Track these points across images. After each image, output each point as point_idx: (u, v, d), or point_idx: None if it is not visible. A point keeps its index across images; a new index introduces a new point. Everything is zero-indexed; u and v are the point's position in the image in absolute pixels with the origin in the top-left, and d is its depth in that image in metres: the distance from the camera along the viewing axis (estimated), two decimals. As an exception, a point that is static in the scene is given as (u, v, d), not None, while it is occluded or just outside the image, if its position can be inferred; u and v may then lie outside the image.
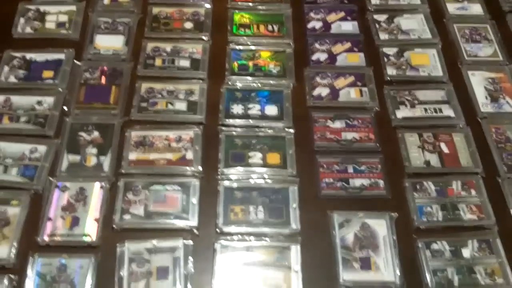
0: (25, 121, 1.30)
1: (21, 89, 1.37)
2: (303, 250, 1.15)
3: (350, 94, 1.38)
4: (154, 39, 1.46)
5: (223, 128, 1.31)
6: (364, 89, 1.39)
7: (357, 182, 1.25)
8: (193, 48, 1.45)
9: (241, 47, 1.46)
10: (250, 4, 1.56)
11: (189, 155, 1.26)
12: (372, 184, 1.24)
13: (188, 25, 1.50)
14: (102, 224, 1.16)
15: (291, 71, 1.42)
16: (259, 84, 1.39)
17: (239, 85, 1.39)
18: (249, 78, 1.40)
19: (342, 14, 1.55)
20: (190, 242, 1.14)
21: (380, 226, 1.18)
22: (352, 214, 1.20)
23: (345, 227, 1.18)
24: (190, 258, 1.12)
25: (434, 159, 1.28)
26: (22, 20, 1.50)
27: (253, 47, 1.46)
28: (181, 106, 1.34)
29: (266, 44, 1.48)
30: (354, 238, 1.17)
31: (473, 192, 1.23)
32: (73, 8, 1.53)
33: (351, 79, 1.41)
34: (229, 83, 1.39)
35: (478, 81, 1.42)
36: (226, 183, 1.23)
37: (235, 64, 1.42)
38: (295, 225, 1.18)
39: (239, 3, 1.56)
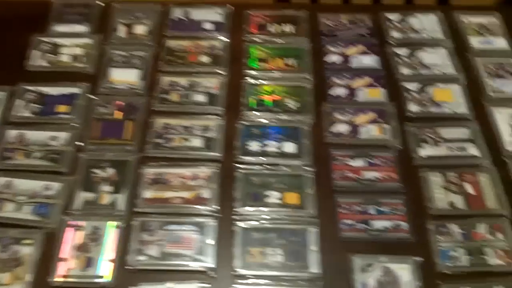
0: (39, 157, 1.27)
1: (35, 123, 1.34)
2: (325, 296, 1.10)
3: (371, 131, 1.35)
4: (168, 73, 1.44)
5: (240, 166, 1.27)
6: (386, 126, 1.35)
7: (379, 224, 1.20)
8: (209, 82, 1.42)
9: (258, 82, 1.42)
10: (267, 37, 1.53)
11: (206, 193, 1.23)
12: (395, 226, 1.20)
13: (204, 58, 1.47)
14: (117, 265, 1.13)
15: (310, 107, 1.38)
16: (276, 121, 1.35)
17: (255, 121, 1.35)
18: (266, 114, 1.36)
19: (361, 47, 1.52)
20: (206, 285, 1.10)
21: (403, 271, 1.14)
22: (374, 258, 1.15)
23: (367, 272, 1.14)
24: (206, 301, 1.08)
25: (458, 200, 1.24)
26: (36, 53, 1.48)
27: (270, 82, 1.43)
28: (197, 142, 1.31)
29: (284, 78, 1.44)
30: (376, 284, 1.12)
31: (500, 236, 1.18)
32: (88, 41, 1.51)
33: (372, 115, 1.37)
34: (245, 118, 1.35)
35: (503, 118, 1.37)
36: (243, 223, 1.19)
37: (252, 99, 1.39)
38: (314, 268, 1.13)
39: (256, 36, 1.53)
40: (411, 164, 1.30)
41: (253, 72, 1.45)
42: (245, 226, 1.19)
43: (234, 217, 1.20)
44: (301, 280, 1.12)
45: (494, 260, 1.15)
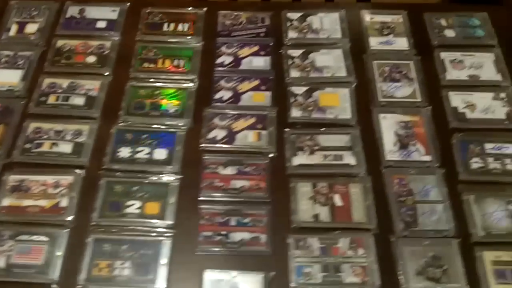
0: None
1: None
2: (167, 313, 1.07)
3: (248, 138, 1.30)
4: (51, 74, 1.40)
5: (105, 173, 1.24)
6: (264, 132, 1.30)
7: (238, 236, 1.16)
8: (91, 84, 1.38)
9: (140, 84, 1.38)
10: (160, 37, 1.48)
11: (64, 202, 1.19)
12: (254, 238, 1.16)
13: (91, 59, 1.43)
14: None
15: (190, 111, 1.34)
16: (152, 125, 1.31)
17: (132, 125, 1.31)
18: (144, 118, 1.32)
19: (256, 48, 1.46)
20: (47, 300, 1.08)
21: (254, 286, 1.10)
22: (225, 273, 1.12)
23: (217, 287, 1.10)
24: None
25: (324, 213, 1.19)
26: None
27: (153, 84, 1.38)
28: (66, 148, 1.27)
29: (168, 80, 1.39)
30: (222, 300, 1.08)
31: (360, 251, 1.14)
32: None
33: (251, 120, 1.32)
34: (122, 123, 1.31)
35: (389, 125, 1.32)
36: (95, 235, 1.15)
37: (132, 102, 1.35)
38: (161, 283, 1.10)
39: (149, 36, 1.48)
40: (284, 173, 1.25)
41: (137, 74, 1.40)
42: (98, 237, 1.15)
43: (89, 228, 1.17)
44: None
45: (350, 277, 1.11)
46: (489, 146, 1.28)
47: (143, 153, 1.27)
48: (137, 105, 1.35)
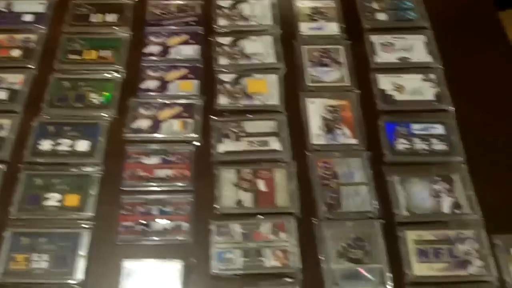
0: None
1: None
2: (85, 303, 1.05)
3: (173, 127, 1.28)
4: (-26, 70, 1.37)
5: (26, 167, 1.21)
6: (189, 120, 1.28)
7: (159, 225, 1.14)
8: (15, 78, 1.35)
9: (65, 76, 1.36)
10: (87, 28, 1.46)
11: (-18, 198, 1.16)
12: (175, 227, 1.14)
13: (16, 52, 1.40)
14: None
15: (115, 102, 1.31)
16: (75, 117, 1.29)
17: (54, 118, 1.28)
18: (67, 110, 1.30)
19: (185, 37, 1.44)
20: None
21: (172, 276, 1.08)
22: (144, 262, 1.10)
23: (134, 277, 1.08)
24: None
25: (247, 198, 1.17)
26: None
27: (77, 76, 1.36)
28: (-15, 143, 1.24)
29: (93, 71, 1.37)
30: (139, 289, 1.06)
31: (282, 235, 1.12)
32: None
33: (177, 109, 1.30)
34: (45, 116, 1.29)
35: (316, 109, 1.31)
36: (14, 229, 1.13)
37: (55, 94, 1.32)
38: (79, 275, 1.08)
39: (75, 27, 1.46)
40: (209, 161, 1.23)
41: (62, 66, 1.38)
42: (15, 231, 1.13)
43: (8, 222, 1.14)
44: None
45: (271, 261, 1.09)
46: (416, 127, 1.27)
47: (65, 145, 1.25)
48: (61, 97, 1.33)
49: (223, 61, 1.39)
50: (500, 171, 1.22)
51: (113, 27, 1.47)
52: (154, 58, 1.40)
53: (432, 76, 1.36)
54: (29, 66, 1.39)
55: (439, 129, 1.27)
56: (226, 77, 1.36)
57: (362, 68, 1.39)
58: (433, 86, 1.34)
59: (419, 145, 1.25)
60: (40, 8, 1.50)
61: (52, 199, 1.18)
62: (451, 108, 1.30)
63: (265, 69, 1.38)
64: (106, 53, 1.41)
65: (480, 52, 1.41)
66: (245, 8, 1.50)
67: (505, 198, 1.18)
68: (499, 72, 1.38)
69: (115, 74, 1.37)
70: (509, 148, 1.25)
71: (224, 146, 1.25)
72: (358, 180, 1.20)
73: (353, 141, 1.26)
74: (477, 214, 1.15)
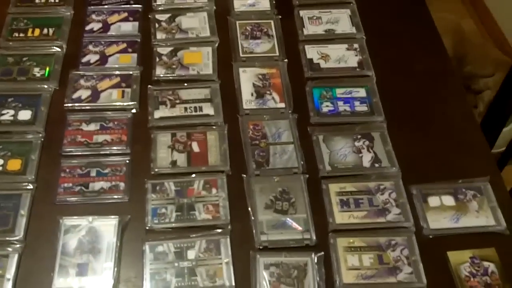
0: None
1: None
2: (24, 258, 1.11)
3: (112, 96, 1.35)
4: None
5: (-30, 135, 1.27)
6: (127, 90, 1.35)
7: (97, 185, 1.21)
8: (-43, 58, 1.40)
9: (10, 52, 1.42)
10: (32, 8, 1.52)
11: None
12: (112, 187, 1.21)
13: (-41, 33, 1.46)
14: None
15: (56, 75, 1.38)
16: (17, 89, 1.35)
17: (-3, 91, 1.34)
18: (8, 84, 1.36)
19: (124, 15, 1.52)
20: None
21: (108, 231, 1.15)
22: (82, 219, 1.16)
23: (72, 233, 1.14)
24: None
25: (181, 159, 1.25)
26: None
27: (20, 52, 1.42)
28: None
29: (36, 47, 1.43)
30: (77, 244, 1.13)
31: (214, 191, 1.20)
32: None
33: (116, 80, 1.37)
34: (-12, 89, 1.35)
35: (248, 77, 1.39)
36: (-42, 192, 1.18)
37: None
38: (19, 232, 1.14)
39: (19, 7, 1.52)
40: (146, 126, 1.30)
41: (7, 43, 1.44)
42: (-42, 195, 1.18)
43: (-49, 186, 1.19)
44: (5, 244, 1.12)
45: (202, 215, 1.17)
46: (340, 91, 1.37)
47: (8, 115, 1.31)
48: (5, 71, 1.38)
49: (160, 36, 1.47)
50: (415, 130, 1.32)
51: (56, 7, 1.52)
52: (95, 34, 1.46)
53: (355, 45, 1.46)
54: (-27, 45, 1.43)
55: (361, 92, 1.37)
56: (163, 50, 1.44)
57: (292, 40, 1.48)
58: (356, 54, 1.44)
59: (342, 107, 1.34)
60: (-15, -9, 1.55)
61: (-5, 164, 1.23)
62: (372, 74, 1.39)
63: (200, 42, 1.46)
64: (49, 31, 1.47)
65: (400, 23, 1.52)
66: (182, -13, 1.58)
67: (419, 152, 1.28)
68: (416, 40, 1.49)
69: (57, 49, 1.43)
70: (422, 109, 1.36)
71: (161, 113, 1.32)
72: (285, 140, 1.28)
73: (281, 105, 1.34)
74: (395, 167, 1.24)
